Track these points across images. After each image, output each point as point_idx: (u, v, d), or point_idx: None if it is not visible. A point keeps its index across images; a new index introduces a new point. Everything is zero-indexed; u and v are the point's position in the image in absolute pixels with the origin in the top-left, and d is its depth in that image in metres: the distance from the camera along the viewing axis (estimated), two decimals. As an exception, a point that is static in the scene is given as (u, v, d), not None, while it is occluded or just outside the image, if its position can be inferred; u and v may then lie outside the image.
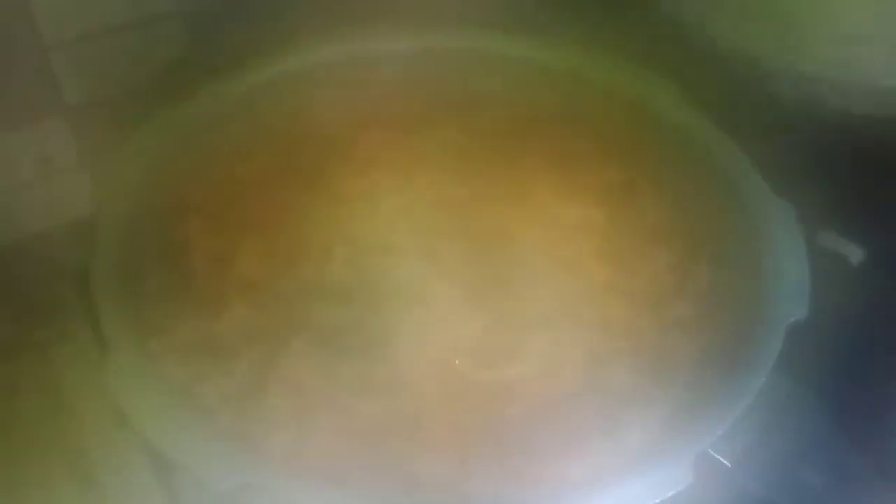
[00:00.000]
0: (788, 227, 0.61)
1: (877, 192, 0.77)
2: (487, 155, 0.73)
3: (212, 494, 0.45)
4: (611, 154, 0.73)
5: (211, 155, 0.70)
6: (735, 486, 0.50)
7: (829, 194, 0.74)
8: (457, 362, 0.59)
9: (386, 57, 0.76)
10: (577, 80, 0.74)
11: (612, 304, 0.63)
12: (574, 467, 0.54)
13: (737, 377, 0.52)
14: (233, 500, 0.45)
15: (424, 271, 0.65)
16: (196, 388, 0.57)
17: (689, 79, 0.72)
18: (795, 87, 0.73)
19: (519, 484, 0.53)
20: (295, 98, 0.74)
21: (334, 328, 0.61)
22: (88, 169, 0.89)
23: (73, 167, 0.89)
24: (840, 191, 0.75)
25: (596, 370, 0.59)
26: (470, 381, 0.58)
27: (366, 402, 0.56)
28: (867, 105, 0.74)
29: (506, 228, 0.68)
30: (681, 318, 0.62)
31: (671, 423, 0.56)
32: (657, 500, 0.46)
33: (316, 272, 0.64)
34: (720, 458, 0.50)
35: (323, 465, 0.53)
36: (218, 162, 0.71)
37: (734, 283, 0.63)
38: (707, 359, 0.61)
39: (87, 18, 0.80)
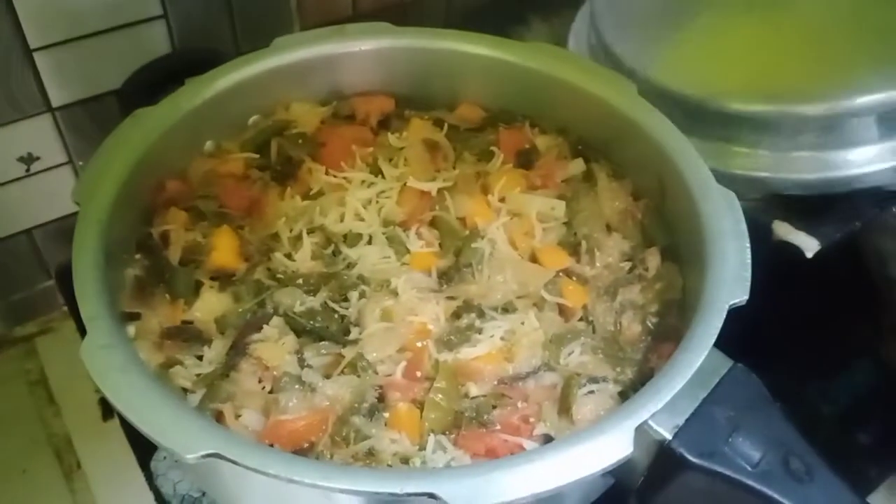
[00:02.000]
0: (733, 215, 0.63)
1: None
2: (456, 150, 0.76)
3: (183, 464, 0.48)
4: (573, 149, 0.76)
5: (189, 150, 0.73)
6: (674, 457, 0.52)
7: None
8: (420, 345, 0.61)
9: (360, 56, 0.78)
10: (543, 79, 0.76)
11: (570, 290, 0.66)
12: (527, 440, 0.57)
13: (679, 354, 0.55)
14: (202, 468, 0.47)
15: (391, 260, 0.67)
16: (170, 370, 0.60)
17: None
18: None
19: (474, 457, 0.56)
20: (269, 96, 0.77)
21: (303, 314, 0.63)
22: (73, 166, 0.92)
23: (58, 165, 0.91)
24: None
25: (552, 352, 0.62)
26: (432, 363, 0.61)
27: (332, 382, 0.59)
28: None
29: (471, 220, 0.70)
30: (632, 303, 0.65)
31: (621, 401, 0.59)
32: (600, 468, 0.49)
33: (287, 261, 0.67)
34: (660, 430, 0.53)
35: (289, 438, 0.56)
36: (195, 157, 0.73)
37: (681, 270, 0.66)
38: (656, 339, 0.64)
39: (72, 22, 0.82)
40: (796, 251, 0.75)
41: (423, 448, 0.56)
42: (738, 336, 0.56)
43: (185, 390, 0.60)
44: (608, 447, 0.50)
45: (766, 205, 0.77)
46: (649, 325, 0.64)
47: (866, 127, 0.72)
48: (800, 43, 0.76)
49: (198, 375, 0.60)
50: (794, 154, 0.74)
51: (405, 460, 0.56)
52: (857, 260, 0.83)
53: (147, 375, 0.53)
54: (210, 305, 0.64)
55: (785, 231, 0.77)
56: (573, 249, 0.69)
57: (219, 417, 0.58)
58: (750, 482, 0.52)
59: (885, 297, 0.84)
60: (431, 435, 0.57)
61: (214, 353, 0.61)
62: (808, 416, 0.56)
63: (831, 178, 0.74)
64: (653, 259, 0.67)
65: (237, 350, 0.61)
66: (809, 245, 0.76)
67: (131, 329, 0.62)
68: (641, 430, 0.51)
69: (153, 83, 0.78)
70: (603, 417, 0.53)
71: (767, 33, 0.77)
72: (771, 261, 0.62)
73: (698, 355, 0.54)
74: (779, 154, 0.74)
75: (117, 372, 0.52)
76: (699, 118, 0.70)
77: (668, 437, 0.52)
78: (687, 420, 0.53)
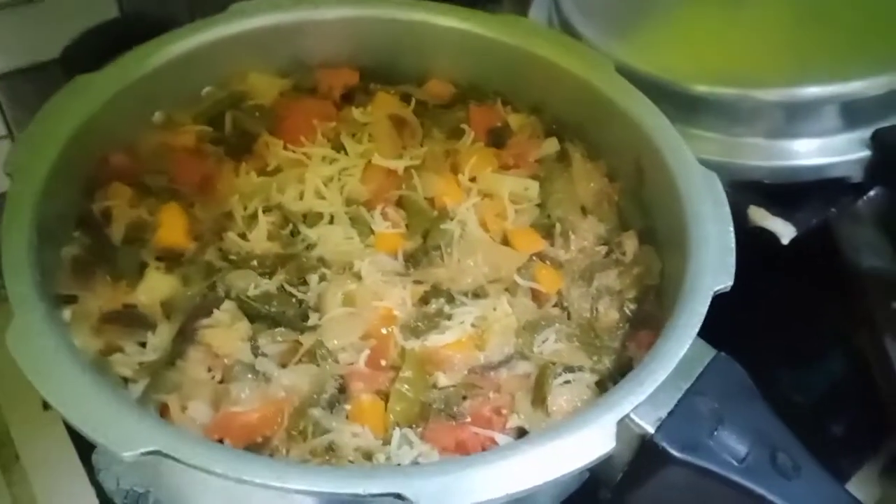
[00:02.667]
0: (715, 198, 0.61)
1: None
2: (425, 127, 0.72)
3: (121, 462, 0.43)
4: (547, 128, 0.73)
5: (136, 121, 0.68)
6: (656, 451, 0.49)
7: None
8: (385, 332, 0.58)
9: (323, 25, 0.74)
10: (516, 54, 0.73)
11: (543, 274, 0.63)
12: (500, 433, 0.53)
13: (661, 343, 0.52)
14: (144, 466, 0.43)
15: (354, 241, 0.63)
16: (110, 358, 0.55)
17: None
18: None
19: (443, 453, 0.52)
20: (225, 65, 0.72)
21: (258, 298, 0.59)
22: (14, 140, 0.86)
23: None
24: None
25: (526, 339, 0.59)
26: (398, 351, 0.57)
27: (289, 372, 0.55)
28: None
29: (440, 200, 0.67)
30: (609, 289, 0.62)
31: (598, 392, 0.56)
32: (581, 465, 0.46)
33: (241, 242, 0.62)
34: (642, 423, 0.49)
35: (240, 432, 0.51)
36: (143, 129, 0.69)
37: (661, 254, 0.64)
38: (633, 327, 0.61)
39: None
40: (771, 237, 0.73)
41: (387, 443, 0.53)
42: (709, 323, 0.53)
43: (125, 380, 0.55)
44: (589, 442, 0.46)
45: (740, 190, 0.76)
46: (627, 311, 0.62)
47: (830, 117, 0.71)
48: (764, 30, 0.75)
49: (140, 364, 0.56)
50: (757, 140, 0.73)
51: (368, 456, 0.52)
52: (831, 247, 0.81)
53: (81, 364, 0.48)
54: (155, 288, 0.59)
55: (761, 217, 0.75)
56: (547, 232, 0.66)
57: (163, 410, 0.53)
58: (736, 478, 0.49)
59: (857, 285, 0.83)
60: (397, 428, 0.53)
61: (159, 339, 0.57)
62: (780, 405, 0.53)
63: (796, 167, 0.73)
64: (630, 243, 0.65)
65: (184, 336, 0.56)
66: (785, 231, 0.74)
67: (67, 312, 0.57)
68: (623, 424, 0.48)
69: (99, 50, 0.73)
70: (582, 410, 0.50)
71: (732, 20, 0.77)
72: (745, 247, 0.60)
73: (682, 344, 0.51)
74: (741, 140, 0.73)
75: (47, 359, 0.47)
76: (662, 100, 0.68)
77: (651, 430, 0.49)
78: (670, 412, 0.50)
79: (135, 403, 0.51)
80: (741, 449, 0.50)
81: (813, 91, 0.69)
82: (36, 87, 0.84)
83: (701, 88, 0.71)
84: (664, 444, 0.49)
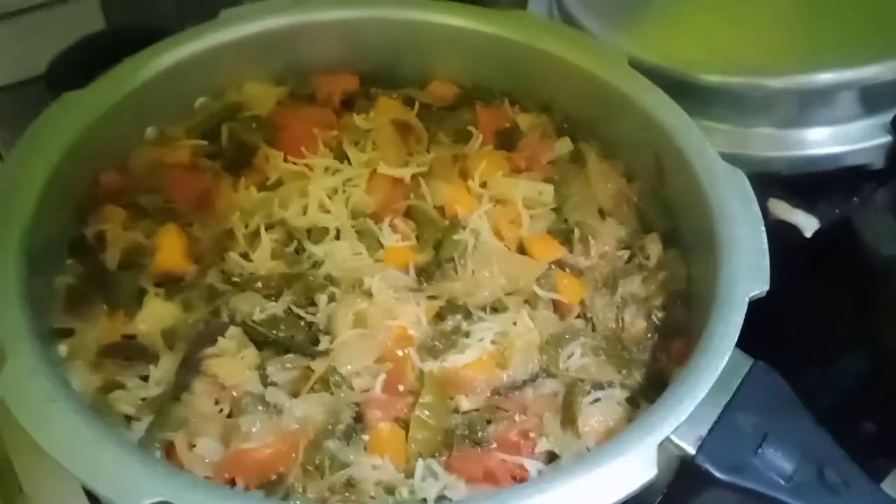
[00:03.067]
0: (743, 197, 0.57)
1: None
2: (430, 131, 0.69)
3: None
4: (559, 127, 0.70)
5: (127, 138, 0.65)
6: (699, 473, 0.46)
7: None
8: (401, 354, 0.54)
9: (318, 28, 0.71)
10: (523, 51, 0.70)
11: (564, 284, 0.60)
12: (529, 459, 0.50)
13: (698, 356, 0.49)
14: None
15: (363, 256, 0.60)
16: (110, 395, 0.52)
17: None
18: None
19: (470, 483, 0.49)
20: (219, 75, 0.69)
21: (264, 323, 0.56)
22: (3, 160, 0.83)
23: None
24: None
25: (550, 354, 0.55)
26: (416, 374, 0.54)
27: (301, 402, 0.52)
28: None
29: (450, 208, 0.63)
30: (634, 296, 0.59)
31: (630, 409, 0.53)
32: (622, 496, 0.42)
33: (243, 262, 0.59)
34: (682, 444, 0.46)
35: (253, 470, 0.48)
36: (135, 145, 0.65)
37: (686, 258, 0.61)
38: (663, 337, 0.58)
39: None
40: (793, 231, 0.71)
41: (410, 475, 0.50)
42: (761, 332, 0.50)
43: (128, 418, 0.52)
44: (629, 470, 0.43)
45: (756, 183, 0.73)
46: (655, 320, 0.59)
47: (846, 103, 0.70)
48: (775, 16, 0.74)
49: (143, 400, 0.53)
50: (771, 130, 0.71)
51: (390, 490, 0.49)
52: (853, 239, 0.79)
53: (79, 407, 0.45)
54: (155, 316, 0.56)
55: (782, 210, 0.73)
56: (565, 238, 0.63)
57: (169, 450, 0.50)
58: (784, 498, 0.47)
59: (878, 277, 0.80)
60: (420, 459, 0.50)
61: (162, 372, 0.54)
62: (807, 407, 0.51)
63: (813, 157, 0.71)
64: (653, 246, 0.62)
65: (189, 367, 0.54)
66: (808, 224, 0.72)
67: (63, 348, 0.54)
68: (662, 446, 0.45)
69: (85, 64, 0.70)
70: (619, 433, 0.46)
71: (741, 6, 0.75)
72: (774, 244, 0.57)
73: (720, 357, 0.48)
74: (755, 131, 0.71)
75: (44, 406, 0.44)
76: (670, 92, 0.66)
77: (692, 451, 0.46)
78: (710, 430, 0.47)
79: (139, 449, 0.48)
80: (788, 466, 0.47)
81: (827, 77, 0.68)
82: (23, 105, 0.81)
83: (711, 78, 0.69)
84: (707, 466, 0.46)
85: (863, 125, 0.70)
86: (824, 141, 0.70)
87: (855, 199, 0.73)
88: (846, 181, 0.72)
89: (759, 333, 0.54)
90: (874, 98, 0.69)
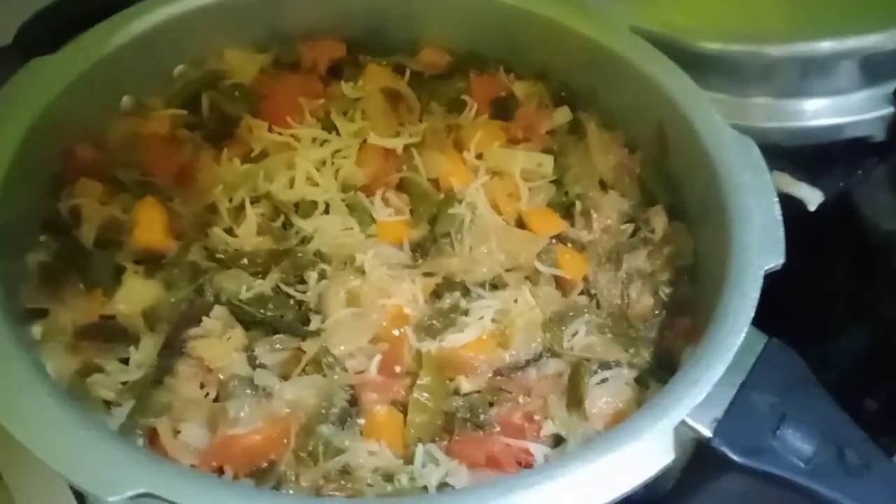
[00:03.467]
0: (754, 166, 0.55)
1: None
2: (423, 100, 0.66)
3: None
4: (555, 96, 0.67)
5: (102, 108, 0.61)
6: (715, 457, 0.44)
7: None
8: (396, 333, 0.52)
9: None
10: (517, 16, 0.67)
11: (567, 259, 0.57)
12: (534, 442, 0.48)
13: (712, 334, 0.46)
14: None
15: (354, 232, 0.57)
16: (88, 379, 0.49)
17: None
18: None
19: (472, 469, 0.47)
20: (197, 41, 0.65)
21: (252, 301, 0.53)
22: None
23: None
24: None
25: (554, 333, 0.53)
26: (413, 355, 0.51)
27: (292, 384, 0.49)
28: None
29: (445, 181, 0.61)
30: (639, 271, 0.57)
31: (639, 389, 0.51)
32: (638, 483, 0.40)
33: (228, 238, 0.56)
34: (698, 426, 0.44)
35: (242, 457, 0.46)
36: (110, 116, 0.62)
37: (692, 231, 0.58)
38: (670, 314, 0.55)
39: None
40: (797, 204, 0.68)
41: (409, 461, 0.48)
42: (776, 307, 0.48)
43: (107, 403, 0.50)
44: (644, 455, 0.41)
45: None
46: (662, 296, 0.57)
47: (846, 73, 0.67)
48: None
49: (123, 384, 0.50)
50: (770, 101, 0.68)
51: (388, 478, 0.47)
52: (852, 214, 0.77)
53: (53, 393, 0.42)
54: (135, 295, 0.54)
55: (785, 183, 0.71)
56: (566, 211, 0.61)
57: (152, 437, 0.48)
58: (804, 481, 0.44)
59: (879, 252, 0.78)
60: (419, 444, 0.47)
61: (143, 354, 0.51)
62: (858, 396, 0.48)
63: (813, 128, 0.69)
64: (658, 219, 0.60)
65: (172, 349, 0.51)
66: (812, 197, 0.70)
67: (37, 329, 0.52)
68: (677, 429, 0.42)
69: (56, 30, 0.66)
70: (633, 417, 0.44)
71: None
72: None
73: (736, 334, 0.46)
74: (753, 101, 0.69)
75: (16, 392, 0.41)
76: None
77: (708, 433, 0.44)
78: (726, 411, 0.45)
79: (119, 436, 0.45)
80: (807, 448, 0.45)
81: (827, 46, 0.66)
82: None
83: (710, 46, 0.66)
84: (723, 449, 0.44)
85: (863, 96, 0.68)
86: (824, 111, 0.68)
87: (859, 171, 0.71)
88: (848, 154, 0.70)
89: (758, 310, 0.52)
90: (875, 68, 0.67)
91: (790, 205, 0.70)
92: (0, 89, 0.57)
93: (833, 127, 0.68)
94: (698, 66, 0.65)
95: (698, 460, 0.45)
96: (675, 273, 0.57)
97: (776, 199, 0.54)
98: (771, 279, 0.60)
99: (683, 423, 0.43)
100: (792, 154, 0.70)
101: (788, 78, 0.67)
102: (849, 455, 0.45)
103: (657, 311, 0.56)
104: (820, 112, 0.68)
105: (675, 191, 0.60)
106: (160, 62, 0.65)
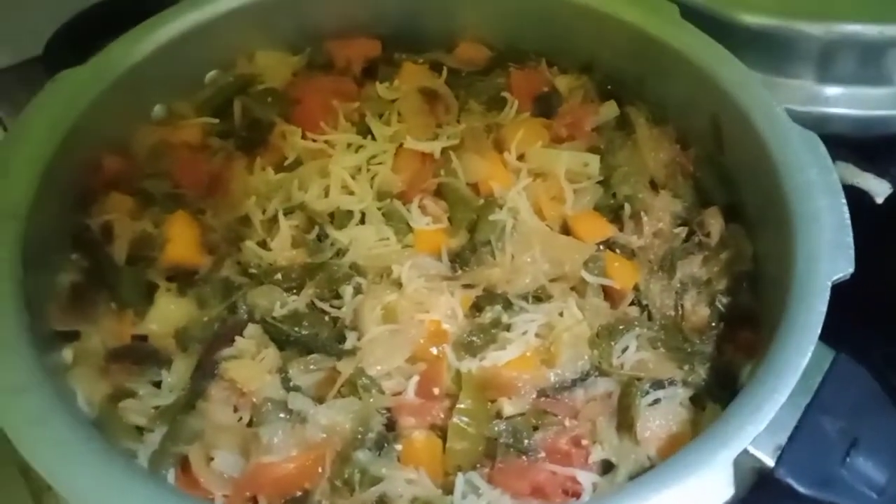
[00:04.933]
0: (820, 164, 0.51)
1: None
2: (460, 99, 0.64)
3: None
4: (601, 90, 0.64)
5: (131, 118, 0.60)
6: (779, 489, 0.41)
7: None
8: (435, 352, 0.49)
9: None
10: (559, 7, 0.64)
11: (616, 267, 0.54)
12: (582, 470, 0.45)
13: (775, 351, 0.43)
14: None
15: (390, 242, 0.55)
16: (119, 404, 0.48)
17: None
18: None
19: (516, 499, 0.44)
20: (227, 45, 0.64)
21: (286, 319, 0.51)
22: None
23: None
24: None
25: (602, 349, 0.50)
26: (452, 375, 0.49)
27: (327, 408, 0.47)
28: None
29: (485, 185, 0.58)
30: (694, 279, 0.53)
31: (695, 410, 0.47)
32: (691, 520, 0.37)
33: (261, 252, 0.55)
34: (759, 454, 0.41)
35: (276, 486, 0.44)
36: (139, 126, 0.61)
37: (754, 235, 0.54)
38: (729, 326, 0.52)
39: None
40: (863, 197, 0.65)
41: (448, 490, 0.46)
42: (846, 321, 0.44)
43: (139, 429, 0.48)
44: (701, 490, 0.38)
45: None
46: (719, 306, 0.53)
47: None
48: None
49: (155, 409, 0.49)
50: (835, 88, 0.65)
51: (425, 506, 0.44)
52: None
53: (76, 425, 0.42)
54: (167, 314, 0.53)
55: (851, 174, 0.67)
56: (614, 215, 0.58)
57: (184, 464, 0.46)
58: (878, 515, 0.40)
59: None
60: (459, 472, 0.45)
61: (175, 377, 0.50)
62: None
63: (881, 117, 0.65)
64: (714, 222, 0.56)
65: (204, 371, 0.50)
66: (880, 189, 0.66)
67: (68, 353, 0.50)
68: (737, 459, 0.39)
69: (84, 40, 0.65)
70: (689, 446, 0.40)
71: None
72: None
73: (802, 353, 0.42)
74: (824, 87, 0.65)
75: (35, 425, 0.39)
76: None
77: (771, 462, 0.41)
78: (791, 437, 0.42)
79: (143, 473, 0.44)
80: (880, 477, 0.42)
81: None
82: (26, 85, 0.77)
83: (752, 20, 0.61)
84: (788, 480, 0.41)
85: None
86: (887, 101, 0.64)
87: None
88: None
89: (860, 325, 0.48)
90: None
91: (854, 197, 0.66)
92: (29, 102, 0.56)
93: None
94: (751, 44, 0.61)
95: (761, 491, 0.41)
96: (733, 281, 0.54)
97: (844, 201, 0.49)
98: (864, 289, 0.56)
99: (745, 451, 0.40)
100: (852, 144, 0.65)
101: (852, 62, 0.63)
102: (927, 483, 0.42)
103: (714, 323, 0.52)
104: (884, 101, 0.64)
105: (731, 190, 0.57)
106: (189, 69, 0.63)
